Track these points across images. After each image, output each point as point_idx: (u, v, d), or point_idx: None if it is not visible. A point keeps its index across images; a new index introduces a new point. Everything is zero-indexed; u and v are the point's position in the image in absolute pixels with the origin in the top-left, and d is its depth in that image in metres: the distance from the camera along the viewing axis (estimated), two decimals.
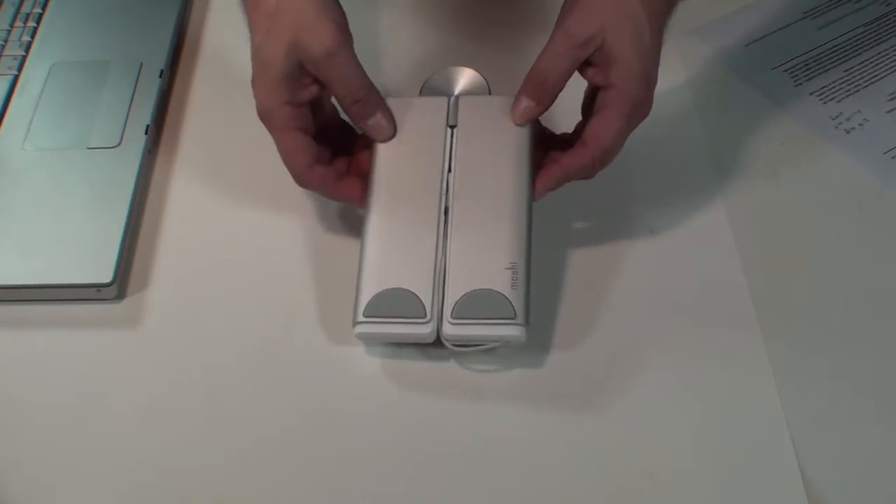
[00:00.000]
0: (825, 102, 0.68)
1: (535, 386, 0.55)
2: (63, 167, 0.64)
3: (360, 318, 0.53)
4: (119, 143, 0.65)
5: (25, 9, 0.74)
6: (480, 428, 0.53)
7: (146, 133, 0.65)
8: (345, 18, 0.54)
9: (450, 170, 0.56)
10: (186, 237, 0.62)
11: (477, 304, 0.52)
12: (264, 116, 0.54)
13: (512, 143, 0.56)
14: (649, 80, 0.54)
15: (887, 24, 0.73)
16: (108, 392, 0.55)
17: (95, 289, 0.58)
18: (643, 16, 0.53)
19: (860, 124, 0.67)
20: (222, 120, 0.68)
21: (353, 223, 0.62)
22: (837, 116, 0.67)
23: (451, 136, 0.57)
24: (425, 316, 0.52)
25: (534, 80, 0.54)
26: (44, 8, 0.74)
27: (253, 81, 0.54)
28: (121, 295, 0.59)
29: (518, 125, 0.56)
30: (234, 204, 0.63)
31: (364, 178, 0.56)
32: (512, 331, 0.52)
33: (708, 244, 0.60)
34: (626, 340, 0.56)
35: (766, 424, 0.53)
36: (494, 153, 0.56)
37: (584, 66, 0.54)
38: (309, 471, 0.52)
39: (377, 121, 0.56)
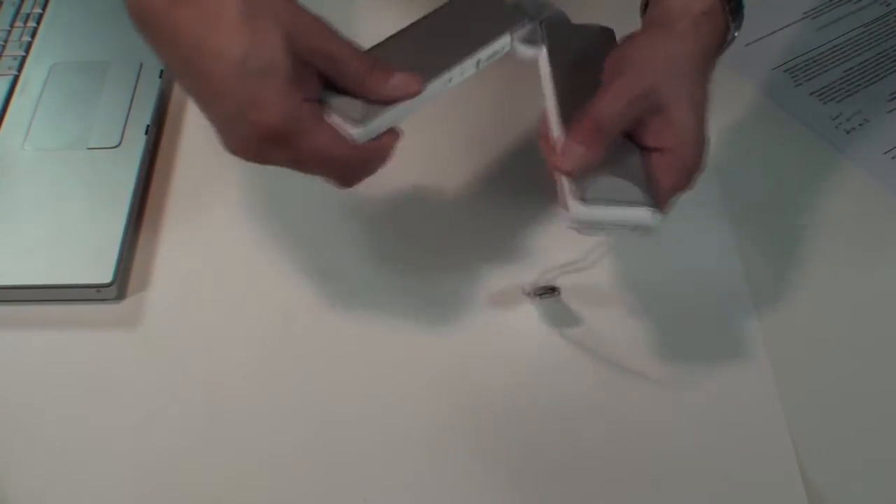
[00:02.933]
0: (825, 102, 0.68)
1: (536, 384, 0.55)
2: (63, 167, 0.64)
3: (588, 196, 0.48)
4: (119, 143, 0.65)
5: (25, 9, 0.74)
6: (473, 428, 0.53)
7: (146, 133, 0.65)
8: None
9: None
10: (186, 237, 0.62)
11: (610, 187, 0.49)
12: (287, 127, 0.46)
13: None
14: (704, 144, 0.51)
15: (887, 25, 0.73)
16: (108, 392, 0.55)
17: (95, 289, 0.58)
18: (696, 75, 0.51)
19: (860, 124, 0.67)
20: None
21: (353, 224, 0.62)
22: (837, 116, 0.68)
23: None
24: (644, 203, 0.49)
25: (590, 125, 0.49)
26: (44, 8, 0.74)
27: (251, 102, 0.45)
28: (121, 295, 0.59)
29: (566, 173, 0.49)
30: (234, 204, 0.63)
31: None
32: (648, 215, 0.49)
33: (708, 244, 0.60)
34: (625, 340, 0.56)
35: (766, 424, 0.53)
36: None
37: (636, 125, 0.50)
38: (309, 471, 0.52)
39: (400, 77, 0.50)
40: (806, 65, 0.71)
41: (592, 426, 0.53)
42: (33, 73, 0.69)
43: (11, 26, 0.73)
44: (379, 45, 0.53)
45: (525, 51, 0.54)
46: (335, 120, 0.48)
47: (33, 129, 0.66)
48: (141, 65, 0.69)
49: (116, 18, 0.73)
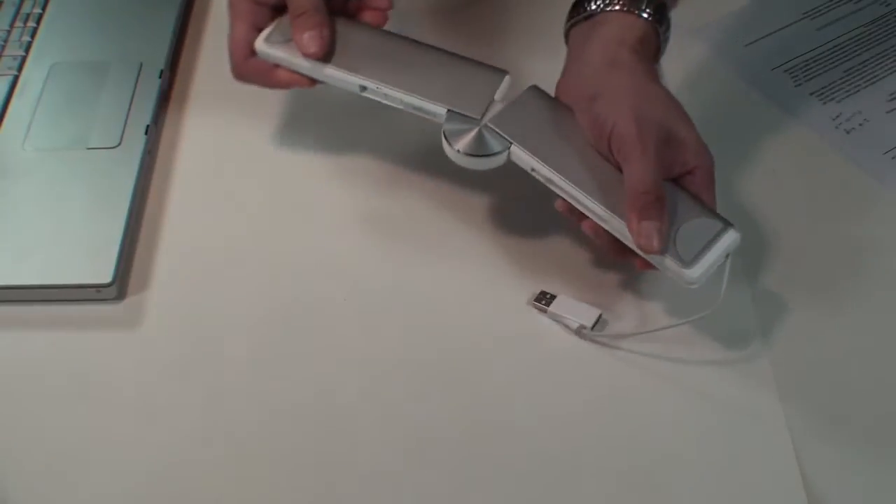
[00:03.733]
0: (825, 102, 0.68)
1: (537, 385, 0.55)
2: (63, 167, 0.64)
3: (687, 259, 0.52)
4: (119, 143, 0.65)
5: (25, 9, 0.74)
6: (475, 423, 0.53)
7: (146, 133, 0.65)
8: None
9: None
10: (186, 237, 0.62)
11: (693, 237, 0.52)
12: (229, 6, 0.60)
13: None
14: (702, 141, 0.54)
15: (887, 25, 0.73)
16: (108, 392, 0.55)
17: (95, 289, 0.58)
18: (661, 90, 0.55)
19: (860, 124, 0.67)
20: (222, 120, 0.68)
21: (354, 224, 0.62)
22: (837, 116, 0.67)
23: None
24: (724, 227, 0.53)
25: (647, 199, 0.51)
26: (44, 8, 0.74)
27: None
28: (120, 295, 0.59)
29: (658, 253, 0.51)
30: (234, 204, 0.63)
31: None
32: (733, 237, 0.53)
33: None
34: (625, 340, 0.56)
35: (767, 425, 0.53)
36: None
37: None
38: (309, 471, 0.52)
39: (309, 36, 0.57)
40: (806, 65, 0.71)
41: (592, 426, 0.53)
42: (33, 73, 0.69)
43: (11, 26, 0.73)
44: (364, 29, 0.60)
45: (497, 157, 0.56)
46: (267, 30, 0.59)
47: (33, 129, 0.66)
48: (141, 65, 0.69)
49: (116, 18, 0.73)
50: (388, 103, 0.58)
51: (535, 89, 0.58)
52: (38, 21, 0.73)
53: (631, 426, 0.53)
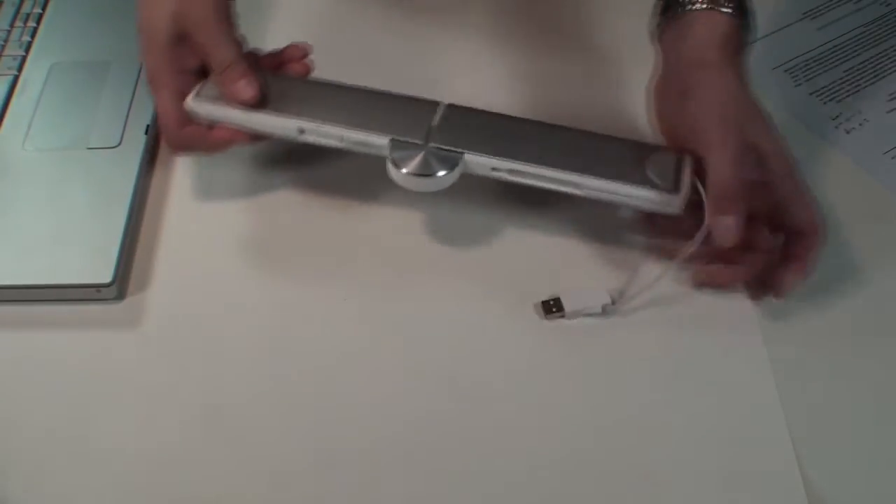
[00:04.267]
0: (825, 102, 0.68)
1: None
2: (63, 167, 0.64)
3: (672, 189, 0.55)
4: (119, 143, 0.65)
5: (25, 9, 0.74)
6: (469, 426, 0.53)
7: (146, 133, 0.65)
8: None
9: None
10: (186, 237, 0.62)
11: (660, 171, 0.55)
12: (150, 80, 0.59)
13: None
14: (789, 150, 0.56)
15: (887, 25, 0.73)
16: (108, 393, 0.55)
17: (95, 289, 0.58)
18: (751, 97, 0.56)
19: (860, 124, 0.67)
20: None
21: (353, 225, 0.62)
22: (837, 116, 0.67)
23: None
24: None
25: (727, 196, 0.53)
26: (44, 8, 0.74)
27: (141, 51, 0.59)
28: (121, 295, 0.59)
29: (732, 245, 0.54)
30: (234, 204, 0.63)
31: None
32: (690, 162, 0.56)
33: None
34: (625, 340, 0.56)
35: (766, 424, 0.53)
36: None
37: None
38: (309, 471, 0.52)
39: (242, 83, 0.58)
40: (806, 65, 0.71)
41: (591, 425, 0.53)
42: (33, 73, 0.69)
43: (11, 26, 0.73)
44: (291, 79, 0.61)
45: (452, 173, 0.56)
46: (194, 90, 0.59)
47: (33, 129, 0.66)
48: (141, 65, 0.69)
49: (116, 18, 0.73)
50: (328, 143, 0.58)
51: (453, 105, 0.59)
52: (38, 21, 0.73)
53: (630, 427, 0.53)
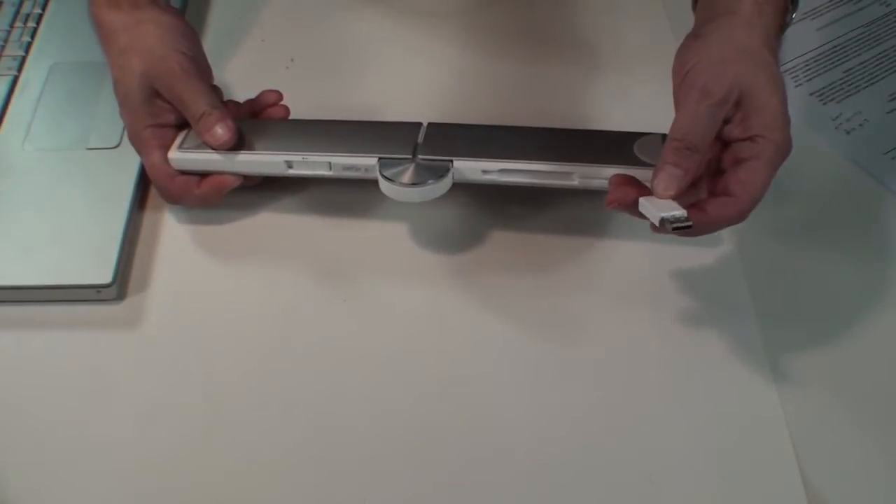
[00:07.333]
0: (825, 102, 0.68)
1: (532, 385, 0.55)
2: (63, 167, 0.64)
3: None
4: (119, 144, 0.64)
5: (25, 9, 0.74)
6: (474, 430, 0.53)
7: None
8: (192, 46, 0.60)
9: None
10: (186, 238, 0.62)
11: (649, 152, 0.56)
12: (132, 140, 0.60)
13: None
14: (788, 120, 0.52)
15: (887, 25, 0.73)
16: (108, 393, 0.55)
17: (95, 290, 0.58)
18: (768, 55, 0.53)
19: (860, 124, 0.67)
20: None
21: (354, 224, 0.62)
22: (837, 116, 0.68)
23: None
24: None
25: (678, 145, 0.51)
26: (44, 8, 0.74)
27: (119, 111, 0.60)
28: (121, 296, 0.59)
29: (666, 198, 0.51)
30: (234, 204, 0.63)
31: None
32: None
33: (708, 245, 0.60)
34: (625, 340, 0.56)
35: (766, 424, 0.53)
36: None
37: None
38: (309, 471, 0.52)
39: (217, 128, 0.58)
40: (806, 65, 0.71)
41: (591, 425, 0.53)
42: (33, 74, 0.69)
43: (11, 26, 0.73)
44: (271, 122, 0.62)
45: (443, 181, 0.56)
46: (176, 142, 0.60)
47: (33, 129, 0.66)
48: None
49: None
50: (317, 174, 0.59)
51: (435, 123, 0.60)
52: (38, 21, 0.73)
53: (630, 427, 0.53)
